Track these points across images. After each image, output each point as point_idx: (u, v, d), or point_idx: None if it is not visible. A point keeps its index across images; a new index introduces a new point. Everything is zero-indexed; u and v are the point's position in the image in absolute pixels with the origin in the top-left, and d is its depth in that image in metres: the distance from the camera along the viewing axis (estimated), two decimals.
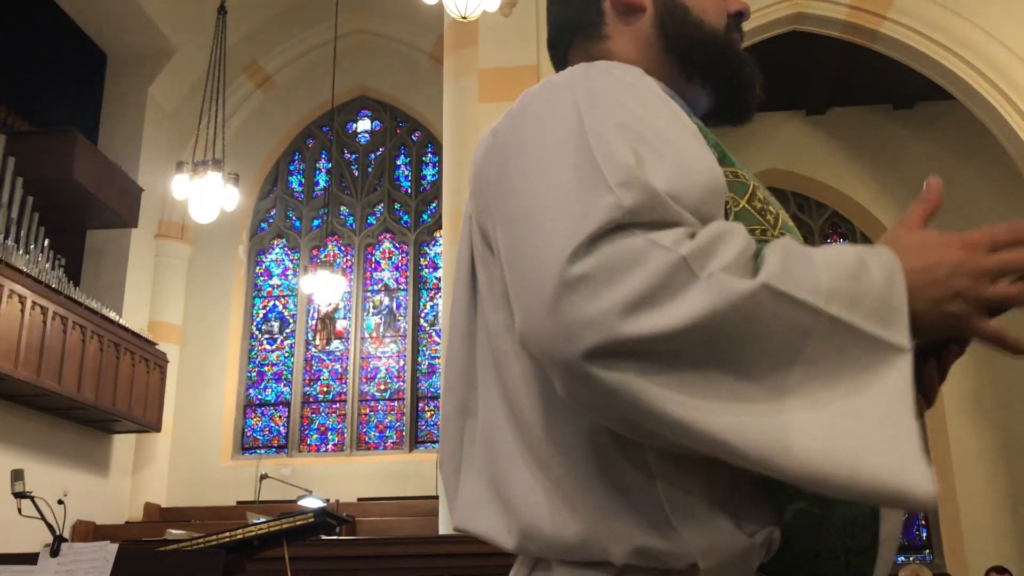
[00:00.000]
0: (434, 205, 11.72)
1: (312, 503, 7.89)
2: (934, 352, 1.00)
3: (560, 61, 1.22)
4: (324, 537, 5.99)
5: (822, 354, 0.81)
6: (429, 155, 12.18)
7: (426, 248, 11.90)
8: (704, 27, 1.15)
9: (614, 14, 1.17)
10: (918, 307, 0.85)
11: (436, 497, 7.33)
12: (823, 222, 10.23)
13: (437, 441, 8.79)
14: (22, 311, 8.07)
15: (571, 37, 1.20)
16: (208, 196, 8.26)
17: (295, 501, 8.35)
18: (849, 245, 0.88)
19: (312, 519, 3.68)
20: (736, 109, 1.18)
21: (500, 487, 0.98)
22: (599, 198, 0.84)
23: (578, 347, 0.80)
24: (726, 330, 0.80)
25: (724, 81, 1.16)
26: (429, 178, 12.11)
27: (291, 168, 12.43)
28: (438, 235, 11.17)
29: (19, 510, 3.75)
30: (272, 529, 3.57)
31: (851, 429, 0.79)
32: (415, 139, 12.31)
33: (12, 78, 9.31)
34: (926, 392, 1.00)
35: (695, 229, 0.85)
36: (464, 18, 5.51)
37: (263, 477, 8.28)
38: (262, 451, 11.30)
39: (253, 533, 3.51)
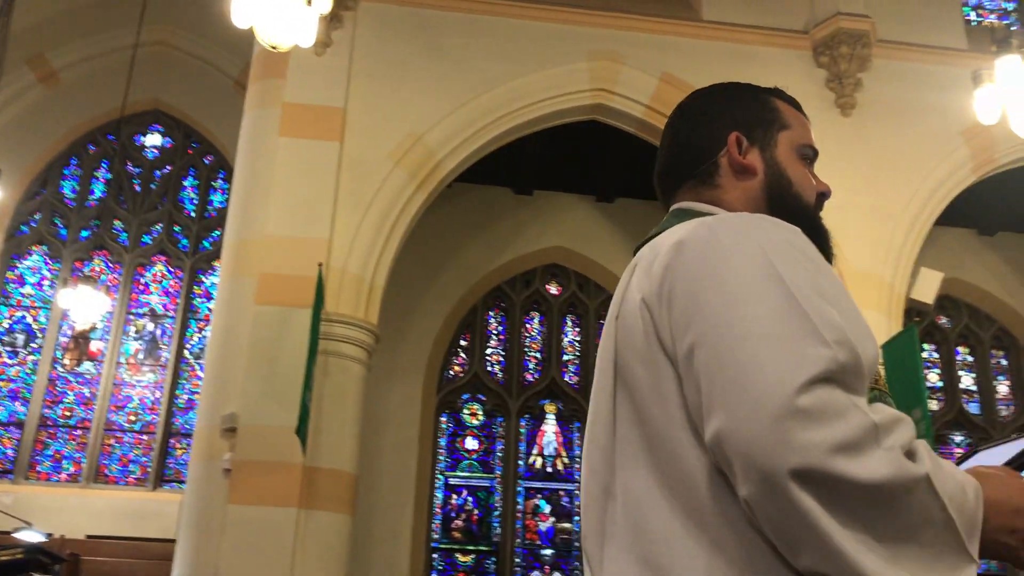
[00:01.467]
0: (217, 233, 11.23)
1: (29, 537, 7.18)
2: None
3: (667, 192, 1.44)
4: None
5: (931, 544, 1.01)
6: (220, 181, 11.71)
7: (202, 276, 11.36)
8: (801, 200, 1.36)
9: (729, 170, 1.37)
10: (983, 530, 1.05)
11: (173, 541, 6.86)
12: (598, 303, 10.68)
13: (184, 481, 8.28)
14: None
15: (684, 178, 1.40)
16: None
17: (11, 533, 7.56)
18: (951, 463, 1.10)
19: (21, 555, 3.31)
20: None
21: (656, 565, 1.09)
22: (818, 348, 1.01)
23: (786, 463, 0.96)
24: (888, 496, 0.98)
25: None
26: (216, 204, 11.63)
27: (65, 172, 11.56)
28: (217, 264, 10.69)
29: None
30: None
31: None
32: (207, 162, 11.82)
33: None
34: None
35: (866, 396, 1.04)
36: (274, 48, 5.37)
37: None
38: None
39: None
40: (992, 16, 9.31)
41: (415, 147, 7.45)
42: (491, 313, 10.52)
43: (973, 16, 9.22)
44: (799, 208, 1.34)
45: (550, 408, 10.22)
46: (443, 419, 10.03)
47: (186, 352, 10.99)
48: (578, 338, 10.59)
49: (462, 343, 10.34)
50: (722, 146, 1.37)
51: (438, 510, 9.69)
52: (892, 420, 1.02)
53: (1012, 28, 9.04)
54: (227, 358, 6.82)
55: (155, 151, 11.84)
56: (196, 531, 6.44)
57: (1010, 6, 9.39)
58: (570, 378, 10.38)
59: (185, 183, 11.76)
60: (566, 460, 10.07)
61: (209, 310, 10.83)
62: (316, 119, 7.30)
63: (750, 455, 0.99)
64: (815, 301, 1.06)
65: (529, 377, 10.33)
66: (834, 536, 0.96)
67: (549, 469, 10.03)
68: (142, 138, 11.85)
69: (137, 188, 11.64)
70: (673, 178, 1.42)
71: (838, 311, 1.07)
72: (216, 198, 11.69)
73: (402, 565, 9.16)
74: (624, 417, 1.18)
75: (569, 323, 10.66)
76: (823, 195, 1.40)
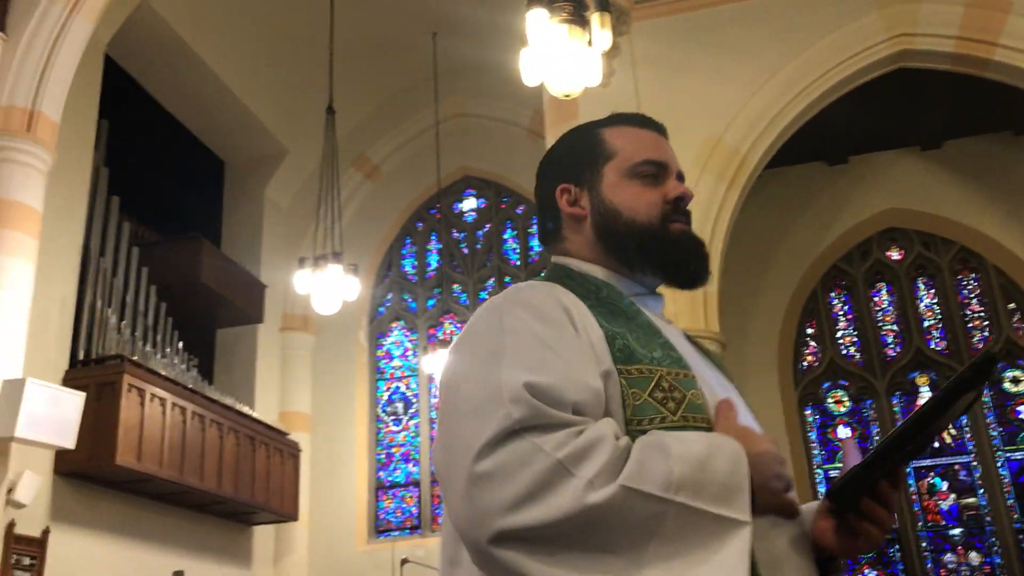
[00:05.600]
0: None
1: None
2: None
3: (549, 257, 1.52)
4: None
5: (675, 532, 1.00)
6: (535, 227, 12.25)
7: None
8: (635, 224, 1.36)
9: (569, 222, 1.42)
10: (756, 483, 1.07)
11: None
12: (951, 258, 9.82)
13: None
14: (163, 413, 8.42)
15: (547, 242, 1.49)
16: (330, 288, 8.50)
17: None
18: (703, 434, 1.11)
19: None
20: (679, 280, 1.40)
21: None
22: (497, 410, 1.05)
23: (482, 532, 1.00)
24: (590, 522, 0.99)
25: (659, 263, 1.38)
26: (536, 250, 12.19)
27: (403, 252, 12.72)
28: None
29: None
30: None
31: None
32: (519, 213, 12.46)
33: (138, 191, 9.79)
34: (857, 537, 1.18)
35: (582, 427, 1.05)
36: (567, 96, 5.57)
37: (404, 562, 8.30)
38: (396, 533, 11.37)
39: None
40: None
41: (717, 148, 7.36)
42: (832, 294, 10.05)
43: None
44: (634, 232, 1.35)
45: (922, 380, 9.52)
46: (807, 412, 9.69)
47: None
48: (934, 300, 9.80)
49: (808, 331, 9.95)
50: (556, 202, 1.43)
51: None
52: (587, 446, 1.02)
53: None
54: None
55: (472, 213, 12.70)
56: None
57: None
58: (936, 344, 9.62)
59: (505, 236, 12.47)
60: (953, 431, 9.32)
61: None
62: None
63: (461, 531, 1.05)
64: (511, 366, 1.09)
65: (890, 352, 9.70)
66: None
67: (936, 444, 9.33)
68: (459, 205, 12.76)
69: (465, 251, 12.52)
70: (543, 243, 1.50)
71: (547, 365, 1.09)
72: (535, 244, 12.26)
73: None
74: None
75: (921, 287, 9.90)
76: (680, 199, 1.38)
